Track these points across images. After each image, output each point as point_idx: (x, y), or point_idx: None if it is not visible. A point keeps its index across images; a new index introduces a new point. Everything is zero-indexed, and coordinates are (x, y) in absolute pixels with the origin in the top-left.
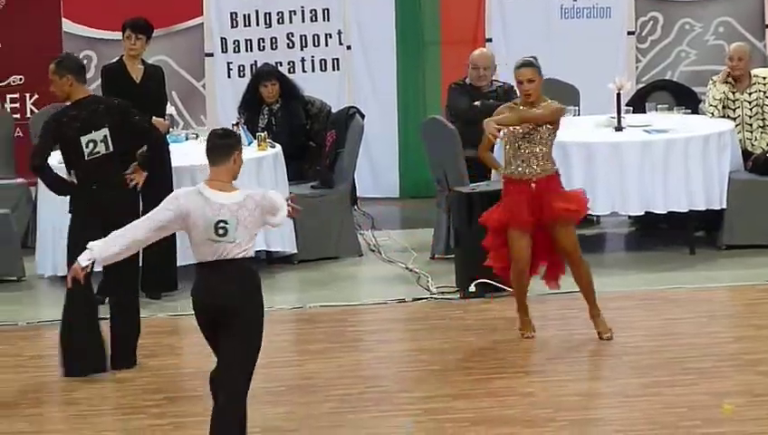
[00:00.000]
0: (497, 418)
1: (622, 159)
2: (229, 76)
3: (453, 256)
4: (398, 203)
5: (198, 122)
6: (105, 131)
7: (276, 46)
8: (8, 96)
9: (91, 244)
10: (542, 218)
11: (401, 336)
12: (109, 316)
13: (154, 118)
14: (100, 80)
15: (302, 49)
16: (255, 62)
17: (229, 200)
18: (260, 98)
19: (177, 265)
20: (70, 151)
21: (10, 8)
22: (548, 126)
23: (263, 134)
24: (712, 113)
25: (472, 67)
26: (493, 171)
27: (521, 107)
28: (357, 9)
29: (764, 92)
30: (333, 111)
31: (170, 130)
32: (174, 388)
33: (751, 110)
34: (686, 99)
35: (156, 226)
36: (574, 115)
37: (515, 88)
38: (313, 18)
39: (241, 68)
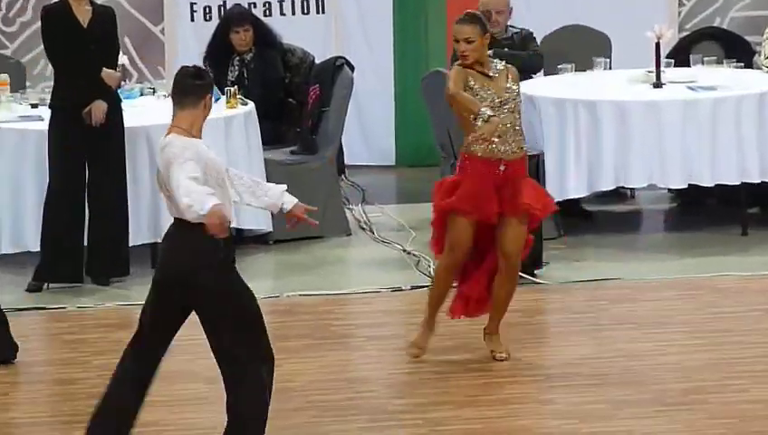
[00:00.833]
0: (511, 430)
1: (661, 122)
2: (192, 19)
3: None
4: (394, 172)
5: (156, 74)
6: None
7: None
8: None
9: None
10: (501, 211)
11: (397, 332)
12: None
13: (104, 69)
14: (39, 23)
15: None
16: (224, 2)
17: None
18: (229, 46)
19: (130, 245)
20: None
21: None
22: (518, 92)
23: (232, 89)
24: None
25: (483, 11)
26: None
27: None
28: None
29: None
30: (317, 61)
31: (123, 83)
32: None
33: None
34: (737, 50)
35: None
36: (605, 68)
37: (534, 35)
38: None
39: (207, 10)
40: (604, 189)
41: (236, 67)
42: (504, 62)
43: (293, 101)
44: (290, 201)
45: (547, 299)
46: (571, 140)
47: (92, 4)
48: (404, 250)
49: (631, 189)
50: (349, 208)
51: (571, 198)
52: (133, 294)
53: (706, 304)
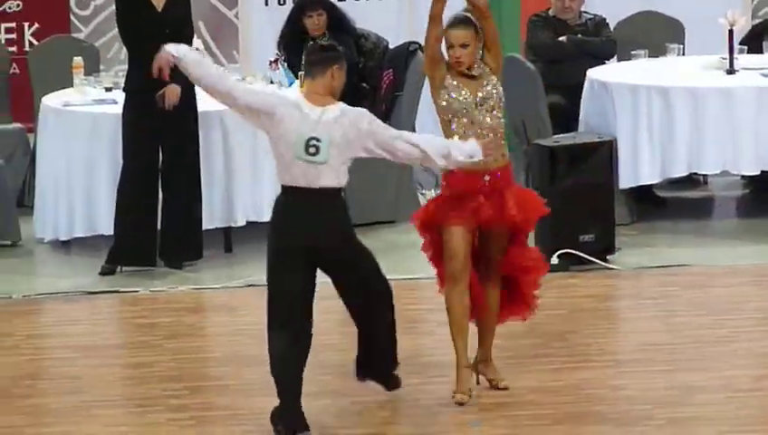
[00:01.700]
0: (582, 415)
1: (735, 108)
2: (267, 4)
3: None
4: None
5: (230, 59)
6: None
7: None
8: (3, 25)
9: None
10: (487, 222)
11: None
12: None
13: None
14: (114, 6)
15: None
16: None
17: (325, 116)
18: (303, 31)
19: (203, 229)
20: None
21: None
22: (498, 86)
23: None
24: None
25: None
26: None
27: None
28: None
29: None
30: (391, 46)
31: None
32: (197, 376)
33: None
34: None
35: (248, 93)
36: (678, 55)
37: (607, 21)
38: None
39: None
40: (677, 176)
41: None
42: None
43: (367, 85)
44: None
45: (619, 284)
46: (645, 126)
47: None
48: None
49: (704, 176)
50: (422, 193)
51: (645, 183)
52: (206, 278)
53: None
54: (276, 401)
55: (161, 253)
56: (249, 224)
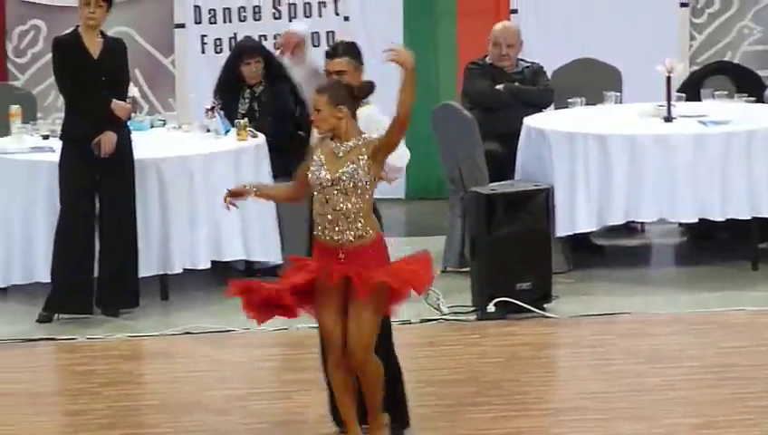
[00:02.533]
0: None
1: (672, 156)
2: (203, 51)
3: (468, 269)
4: (404, 205)
5: (166, 106)
6: None
7: (260, 17)
8: None
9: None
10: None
11: (405, 365)
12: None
13: (114, 101)
14: (51, 54)
15: (290, 20)
16: (235, 35)
17: None
18: (240, 78)
19: (139, 276)
20: None
21: None
22: (366, 160)
23: (243, 121)
24: None
25: (493, 44)
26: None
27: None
28: None
29: None
30: None
31: (133, 115)
32: (133, 423)
33: None
34: (748, 84)
35: None
36: (616, 102)
37: (544, 69)
38: None
39: (217, 42)
40: (614, 223)
41: (247, 100)
42: (371, 137)
43: (303, 133)
44: None
45: (556, 333)
46: (582, 173)
47: (103, 35)
48: None
49: (642, 223)
50: None
51: (581, 231)
52: (142, 326)
53: (716, 339)
54: None
55: (98, 301)
56: (186, 271)
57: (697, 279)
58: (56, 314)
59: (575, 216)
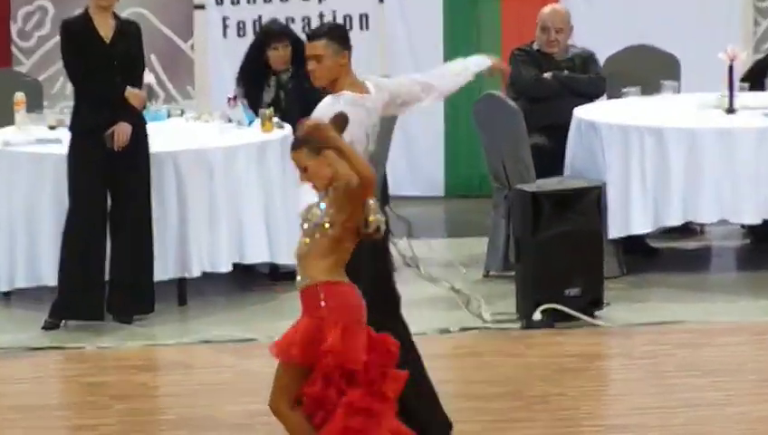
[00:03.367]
0: None
1: (735, 151)
2: (225, 35)
3: (512, 273)
4: (443, 204)
5: (184, 94)
6: None
7: None
8: None
9: None
10: None
11: (444, 377)
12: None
13: (128, 89)
14: (59, 37)
15: (320, 1)
16: (260, 17)
17: None
18: (266, 65)
19: (155, 280)
20: None
21: None
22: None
23: (268, 111)
24: None
25: (541, 28)
26: (565, 164)
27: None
28: None
29: None
30: None
31: (148, 104)
32: None
33: None
34: None
35: None
36: (674, 92)
37: (596, 56)
38: None
39: (241, 25)
40: (671, 225)
41: (272, 87)
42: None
43: None
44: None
45: (607, 343)
46: (636, 170)
47: (116, 17)
48: (452, 288)
49: (701, 225)
50: (393, 243)
51: (636, 233)
52: (157, 334)
53: None
54: None
55: (109, 306)
56: (205, 275)
57: (761, 285)
58: (64, 321)
59: (629, 216)
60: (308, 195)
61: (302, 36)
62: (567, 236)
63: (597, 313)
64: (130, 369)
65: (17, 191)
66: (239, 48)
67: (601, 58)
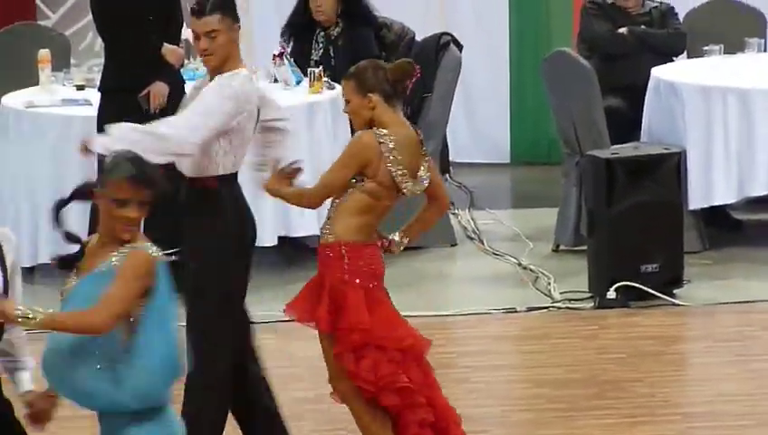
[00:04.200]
0: None
1: None
2: None
3: (584, 247)
4: (509, 172)
5: None
6: None
7: None
8: None
9: None
10: None
11: (509, 361)
12: None
13: (164, 45)
14: None
15: None
16: None
17: None
18: (313, 19)
19: None
20: None
21: None
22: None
23: (317, 70)
24: None
25: None
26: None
27: None
28: None
29: None
30: (418, 39)
31: (186, 61)
32: None
33: None
34: None
35: None
36: (759, 51)
37: (675, 10)
38: None
39: None
40: (757, 195)
41: (321, 44)
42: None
43: None
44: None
45: (688, 324)
46: (719, 135)
47: None
48: (519, 264)
49: None
50: (454, 214)
51: (719, 204)
52: None
53: None
54: None
55: None
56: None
57: None
58: None
59: (711, 185)
60: None
61: None
62: (644, 207)
63: (676, 291)
64: None
65: (41, 157)
66: (287, 1)
67: (681, 13)
